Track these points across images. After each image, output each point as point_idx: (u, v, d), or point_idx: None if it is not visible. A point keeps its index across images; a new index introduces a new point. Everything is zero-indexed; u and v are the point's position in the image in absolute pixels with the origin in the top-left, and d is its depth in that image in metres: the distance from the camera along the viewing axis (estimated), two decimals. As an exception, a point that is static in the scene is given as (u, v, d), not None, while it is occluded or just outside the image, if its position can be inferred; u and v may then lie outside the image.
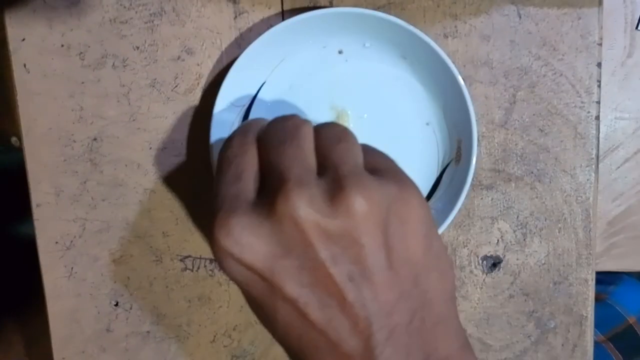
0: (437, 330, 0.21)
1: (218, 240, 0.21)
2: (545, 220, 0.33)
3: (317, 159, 0.22)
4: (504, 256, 0.34)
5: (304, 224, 0.20)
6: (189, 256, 0.33)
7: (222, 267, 0.21)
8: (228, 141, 0.24)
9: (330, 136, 0.23)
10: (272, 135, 0.23)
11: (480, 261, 0.34)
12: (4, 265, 0.62)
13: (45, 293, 0.33)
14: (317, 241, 0.20)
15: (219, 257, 0.21)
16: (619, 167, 0.47)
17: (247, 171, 0.23)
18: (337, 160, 0.22)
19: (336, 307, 0.20)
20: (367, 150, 0.24)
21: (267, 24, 0.31)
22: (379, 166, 0.22)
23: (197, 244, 0.33)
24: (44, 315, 0.34)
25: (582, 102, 0.33)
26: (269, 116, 0.31)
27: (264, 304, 0.21)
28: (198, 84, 0.32)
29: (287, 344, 0.22)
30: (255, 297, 0.21)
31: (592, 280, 0.34)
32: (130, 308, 0.34)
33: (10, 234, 0.64)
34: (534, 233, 0.34)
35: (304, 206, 0.20)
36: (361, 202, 0.20)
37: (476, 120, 0.30)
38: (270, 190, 0.21)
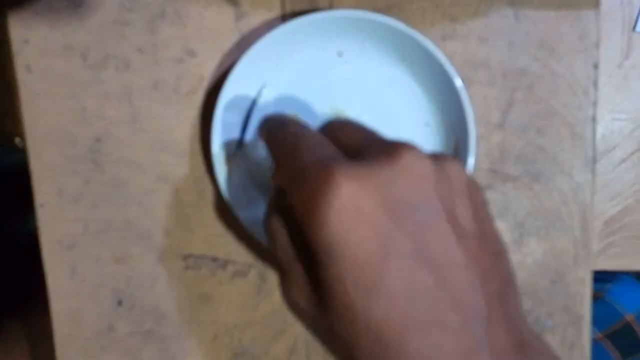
0: (520, 315, 0.20)
1: (329, 190, 0.18)
2: (543, 220, 0.34)
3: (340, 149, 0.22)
4: (502, 255, 0.34)
5: (427, 175, 0.19)
6: (191, 255, 0.34)
7: (327, 225, 0.18)
8: (282, 125, 0.23)
9: (346, 128, 0.24)
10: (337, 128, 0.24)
11: (479, 260, 0.34)
12: (6, 265, 0.62)
13: (49, 293, 0.33)
14: (436, 195, 0.20)
15: (326, 212, 0.18)
16: (616, 168, 0.47)
17: (325, 140, 0.22)
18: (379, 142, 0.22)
19: (450, 267, 0.19)
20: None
21: (267, 26, 0.32)
22: None
23: (199, 244, 0.33)
24: (45, 315, 0.34)
25: (579, 103, 0.33)
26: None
27: (373, 264, 0.18)
28: (199, 85, 0.32)
29: (389, 319, 0.18)
30: (363, 257, 0.18)
31: (589, 279, 0.34)
32: (132, 307, 0.34)
33: (13, 234, 0.64)
34: (532, 233, 0.34)
35: (427, 159, 0.20)
36: (455, 168, 0.21)
37: (474, 121, 0.30)
38: (374, 152, 0.20)
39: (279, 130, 0.23)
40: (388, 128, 0.32)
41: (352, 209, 0.18)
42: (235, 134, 0.31)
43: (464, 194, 0.21)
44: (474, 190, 0.22)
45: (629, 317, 0.55)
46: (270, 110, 0.32)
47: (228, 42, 0.32)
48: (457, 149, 0.31)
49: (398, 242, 0.18)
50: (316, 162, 0.20)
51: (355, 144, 0.22)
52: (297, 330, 0.34)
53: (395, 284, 0.18)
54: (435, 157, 0.21)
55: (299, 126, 0.23)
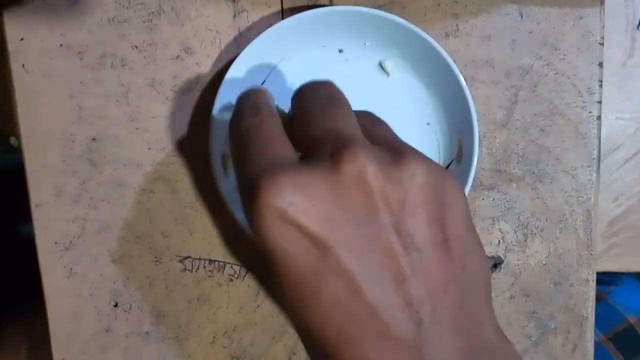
0: (481, 319, 0.20)
1: (266, 199, 0.18)
2: (546, 220, 0.33)
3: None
4: (505, 257, 0.34)
5: (371, 185, 0.18)
6: (189, 257, 0.33)
7: (265, 235, 0.18)
8: (237, 116, 0.22)
9: (367, 119, 0.22)
10: (312, 99, 0.21)
11: (481, 261, 0.34)
12: (5, 266, 0.62)
13: (45, 294, 0.33)
14: (382, 205, 0.18)
15: (265, 220, 0.18)
16: (619, 168, 0.47)
17: (278, 136, 0.20)
18: (386, 136, 0.21)
19: (391, 283, 0.18)
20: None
21: (266, 23, 0.31)
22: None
23: (197, 245, 0.33)
24: (45, 316, 0.34)
25: (583, 102, 0.33)
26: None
27: (308, 279, 0.18)
28: (197, 83, 0.32)
29: (324, 331, 0.19)
30: (298, 272, 0.18)
31: (592, 280, 0.34)
32: (130, 308, 0.33)
33: (10, 235, 0.64)
34: (535, 233, 0.33)
35: (373, 166, 0.18)
36: (423, 170, 0.19)
37: (477, 120, 0.29)
38: (321, 152, 0.19)
39: (234, 121, 0.22)
40: (389, 127, 0.32)
41: (289, 220, 0.18)
42: (234, 133, 0.31)
43: (421, 199, 0.19)
44: (440, 190, 0.20)
45: (632, 319, 0.55)
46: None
47: (226, 39, 0.31)
48: (460, 149, 0.31)
49: (333, 257, 0.18)
50: (260, 167, 0.19)
51: (314, 135, 0.20)
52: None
53: (328, 299, 0.18)
54: (393, 159, 0.19)
55: (254, 116, 0.21)
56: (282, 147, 0.20)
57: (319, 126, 0.20)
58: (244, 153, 0.20)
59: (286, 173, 0.18)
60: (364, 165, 0.18)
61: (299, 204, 0.18)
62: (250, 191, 0.19)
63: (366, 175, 0.18)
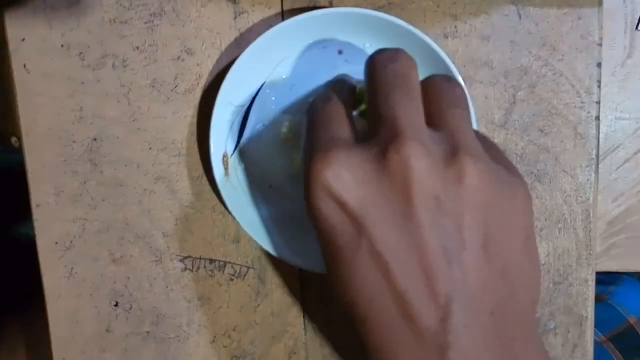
0: (517, 337, 0.19)
1: (317, 171, 0.19)
2: (546, 220, 0.33)
3: (426, 112, 0.21)
4: (504, 257, 0.34)
5: (413, 178, 0.18)
6: (189, 257, 0.33)
7: (313, 204, 0.19)
8: (315, 100, 0.24)
9: (445, 97, 0.21)
10: (380, 77, 0.21)
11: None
12: (5, 266, 0.62)
13: (45, 294, 0.33)
14: (421, 200, 0.18)
15: (313, 191, 0.19)
16: (619, 168, 0.47)
17: (339, 120, 0.22)
18: (454, 126, 0.20)
19: (420, 276, 0.18)
20: (479, 134, 0.22)
21: (267, 24, 0.31)
22: (491, 151, 0.21)
23: (197, 245, 0.33)
24: (46, 316, 0.34)
25: (582, 103, 0.33)
26: (270, 117, 0.31)
27: (343, 254, 0.19)
28: (198, 84, 0.32)
29: (354, 310, 0.19)
30: (337, 244, 0.19)
31: (592, 280, 0.34)
32: (130, 308, 0.34)
33: (10, 235, 0.64)
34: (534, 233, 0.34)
35: (419, 160, 0.18)
36: (475, 176, 0.19)
37: (476, 121, 0.30)
38: (378, 135, 0.20)
39: (315, 101, 0.24)
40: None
41: (333, 195, 0.19)
42: (234, 133, 0.31)
43: (466, 201, 0.19)
44: (494, 198, 0.19)
45: (632, 319, 0.55)
46: (270, 110, 0.31)
47: (227, 40, 0.32)
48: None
49: (368, 237, 0.19)
50: (318, 144, 0.20)
51: (378, 115, 0.21)
52: (297, 332, 0.34)
53: (360, 277, 0.19)
54: (446, 157, 0.19)
55: (324, 102, 0.23)
56: (341, 128, 0.21)
57: (382, 107, 0.20)
58: (309, 133, 0.21)
59: (339, 151, 0.19)
60: (410, 161, 0.18)
61: (344, 181, 0.19)
62: (306, 164, 0.20)
63: (410, 171, 0.18)
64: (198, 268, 0.33)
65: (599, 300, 0.57)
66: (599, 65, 0.32)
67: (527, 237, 0.20)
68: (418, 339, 0.18)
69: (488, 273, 0.19)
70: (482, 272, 0.19)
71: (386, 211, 0.19)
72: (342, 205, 0.19)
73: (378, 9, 0.31)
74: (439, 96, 0.21)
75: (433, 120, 0.21)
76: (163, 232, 0.33)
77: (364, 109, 0.26)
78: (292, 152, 0.32)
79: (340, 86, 0.25)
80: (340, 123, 0.22)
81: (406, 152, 0.18)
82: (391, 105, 0.20)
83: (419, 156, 0.19)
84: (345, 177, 0.19)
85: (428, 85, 0.22)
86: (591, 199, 0.33)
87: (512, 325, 0.19)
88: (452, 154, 0.19)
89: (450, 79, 0.22)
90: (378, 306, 0.19)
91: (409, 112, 0.20)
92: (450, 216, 0.19)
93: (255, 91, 0.31)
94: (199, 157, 0.32)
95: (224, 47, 0.32)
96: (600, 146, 0.33)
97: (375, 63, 0.22)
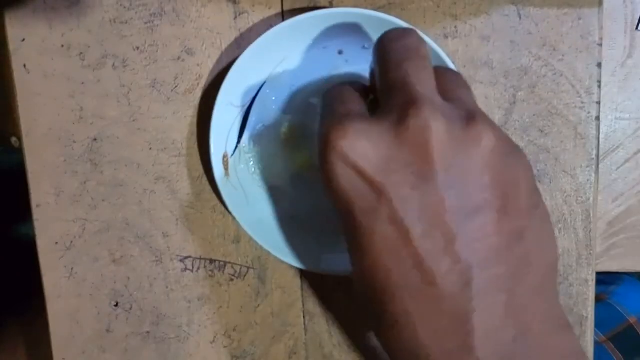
0: (533, 303, 0.19)
1: (332, 141, 0.19)
2: (546, 220, 0.33)
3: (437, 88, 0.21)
4: (504, 257, 0.34)
5: (432, 139, 0.18)
6: (189, 257, 0.33)
7: (330, 174, 0.20)
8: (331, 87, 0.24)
9: (454, 79, 0.22)
10: (390, 49, 0.22)
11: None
12: (5, 266, 0.62)
13: (45, 294, 0.33)
14: (440, 163, 0.18)
15: (329, 161, 0.19)
16: (619, 168, 0.47)
17: (352, 96, 0.22)
18: (465, 100, 0.21)
19: (440, 240, 0.18)
20: None
21: (267, 24, 0.31)
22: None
23: (197, 245, 0.33)
24: (46, 316, 0.34)
25: (582, 103, 0.33)
26: (270, 117, 0.31)
27: (362, 223, 0.19)
28: (198, 84, 0.32)
29: (373, 275, 0.19)
30: (355, 213, 0.19)
31: (592, 280, 0.34)
32: (130, 308, 0.34)
33: (10, 235, 0.64)
34: (534, 233, 0.34)
35: (437, 121, 0.18)
36: (491, 137, 0.19)
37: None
38: (392, 104, 0.20)
39: (330, 88, 0.24)
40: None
41: (350, 163, 0.19)
42: (234, 133, 0.31)
43: (483, 164, 0.19)
44: (507, 161, 0.19)
45: (632, 319, 0.55)
46: (270, 110, 0.31)
47: (227, 40, 0.32)
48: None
49: (387, 203, 0.19)
50: (333, 118, 0.20)
51: (389, 86, 0.21)
52: (297, 332, 0.34)
53: (379, 243, 0.19)
54: (462, 120, 0.19)
55: (343, 85, 0.24)
56: (354, 103, 0.22)
57: (394, 77, 0.21)
58: (324, 110, 0.22)
59: (353, 121, 0.20)
60: (428, 122, 0.18)
61: (360, 149, 0.19)
62: (321, 136, 0.20)
63: (429, 133, 0.18)
64: (198, 268, 0.33)
65: (599, 300, 0.57)
66: (599, 65, 0.32)
67: (536, 203, 0.20)
68: (440, 305, 0.18)
69: (506, 237, 0.19)
70: (500, 236, 0.19)
71: (405, 175, 0.19)
72: (360, 173, 0.19)
73: (378, 9, 0.31)
74: (448, 78, 0.22)
75: (444, 95, 0.21)
76: (163, 232, 0.33)
77: (372, 98, 0.26)
78: (292, 152, 0.32)
79: (352, 81, 0.26)
80: (354, 101, 0.22)
81: (425, 114, 0.18)
82: (404, 74, 0.20)
83: (438, 118, 0.19)
84: (362, 145, 0.19)
85: (435, 70, 0.22)
86: (591, 199, 0.33)
87: (529, 294, 0.19)
88: (468, 118, 0.19)
89: (453, 70, 0.23)
90: (398, 273, 0.19)
91: (423, 78, 0.20)
92: (469, 177, 0.19)
93: (255, 91, 0.31)
94: (199, 157, 0.32)
95: (224, 47, 0.32)
96: (600, 146, 0.33)
97: (385, 40, 0.22)
